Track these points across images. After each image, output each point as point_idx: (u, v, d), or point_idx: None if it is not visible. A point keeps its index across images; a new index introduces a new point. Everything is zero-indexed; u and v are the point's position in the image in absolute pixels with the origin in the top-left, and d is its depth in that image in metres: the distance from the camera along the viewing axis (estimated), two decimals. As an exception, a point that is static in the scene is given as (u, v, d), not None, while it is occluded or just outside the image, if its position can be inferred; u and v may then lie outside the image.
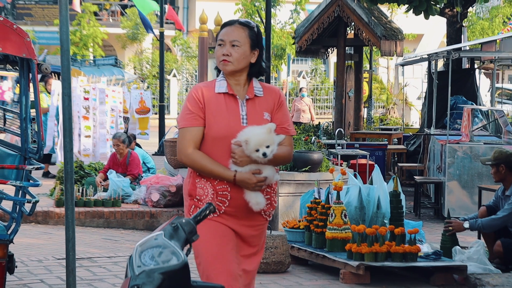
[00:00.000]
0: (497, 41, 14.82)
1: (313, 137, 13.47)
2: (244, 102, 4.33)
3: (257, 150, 4.17)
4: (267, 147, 4.20)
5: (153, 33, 23.33)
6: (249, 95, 4.35)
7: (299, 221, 8.53)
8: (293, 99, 29.20)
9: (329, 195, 8.11)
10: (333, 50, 19.23)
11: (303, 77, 37.39)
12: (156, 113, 24.67)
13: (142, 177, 12.88)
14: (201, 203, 4.25)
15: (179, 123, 4.33)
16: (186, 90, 37.18)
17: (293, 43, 19.27)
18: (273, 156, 4.23)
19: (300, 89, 24.40)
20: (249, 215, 4.32)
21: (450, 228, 8.08)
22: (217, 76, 4.42)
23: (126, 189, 12.28)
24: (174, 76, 35.50)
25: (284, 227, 8.56)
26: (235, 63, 4.31)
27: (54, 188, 12.66)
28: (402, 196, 7.93)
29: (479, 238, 8.70)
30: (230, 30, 4.34)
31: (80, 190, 11.98)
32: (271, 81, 22.01)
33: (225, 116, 4.26)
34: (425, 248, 7.88)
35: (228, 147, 4.23)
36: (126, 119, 17.84)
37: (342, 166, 11.88)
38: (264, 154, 4.18)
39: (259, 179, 4.23)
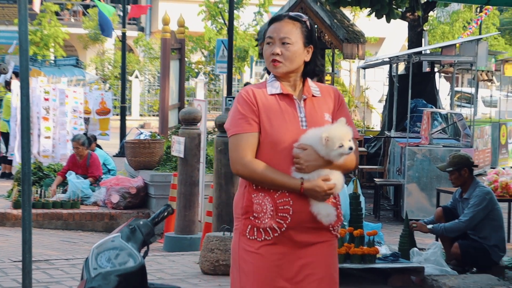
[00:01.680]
0: (457, 45, 14.96)
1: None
2: (302, 102, 3.83)
3: (341, 146, 3.68)
4: (349, 140, 3.72)
5: (110, 36, 23.06)
6: (307, 95, 3.85)
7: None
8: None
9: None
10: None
11: (266, 79, 37.41)
12: (117, 114, 24.52)
13: (102, 178, 12.80)
14: (259, 222, 3.72)
15: (229, 130, 3.78)
16: (148, 91, 37.06)
17: (256, 45, 19.30)
18: (344, 160, 3.75)
19: None
20: (314, 231, 3.76)
21: (415, 225, 8.16)
22: (266, 77, 4.02)
23: (86, 190, 12.19)
24: (136, 77, 35.32)
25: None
26: (287, 63, 3.81)
27: (12, 189, 12.53)
28: (362, 198, 7.97)
29: (436, 240, 8.78)
30: (280, 26, 3.82)
31: (39, 192, 11.87)
32: (233, 83, 21.96)
33: (282, 119, 3.76)
34: (383, 250, 7.93)
35: (288, 153, 3.71)
36: (86, 120, 17.73)
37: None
38: (351, 148, 3.69)
39: (329, 186, 3.70)
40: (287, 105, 3.80)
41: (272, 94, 3.81)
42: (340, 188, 3.74)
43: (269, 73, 3.91)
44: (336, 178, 3.73)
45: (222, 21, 31.10)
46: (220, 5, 31.45)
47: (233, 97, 18.40)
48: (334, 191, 3.71)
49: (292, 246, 3.72)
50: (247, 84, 24.48)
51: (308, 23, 3.86)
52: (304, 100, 3.83)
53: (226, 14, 24.84)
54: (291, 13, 3.88)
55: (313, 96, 3.85)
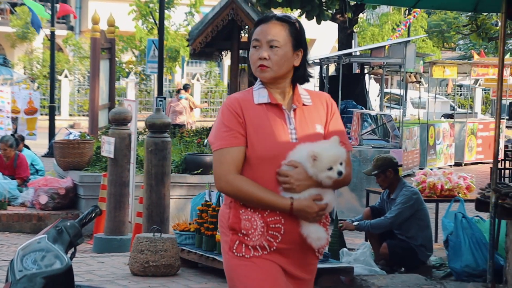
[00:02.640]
0: (386, 47, 15.16)
1: (206, 140, 13.47)
2: (291, 113, 3.52)
3: (330, 168, 3.40)
4: (340, 164, 3.43)
5: (38, 31, 22.70)
6: (297, 104, 3.54)
7: (190, 224, 8.50)
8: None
9: (220, 198, 8.11)
10: (227, 53, 19.28)
11: (197, 80, 37.36)
12: (46, 114, 24.17)
13: (30, 179, 12.60)
14: (248, 239, 3.45)
15: (213, 144, 3.49)
16: (78, 91, 36.62)
17: (188, 46, 19.23)
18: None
19: (178, 90, 24.19)
20: (303, 253, 3.53)
21: (341, 224, 8.25)
22: (252, 84, 3.68)
23: (13, 191, 11.98)
24: (66, 76, 34.86)
25: (174, 230, 8.51)
26: (275, 68, 3.50)
27: None
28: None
29: (366, 240, 8.87)
30: (267, 28, 3.52)
31: (-35, 193, 11.62)
32: (164, 83, 21.86)
33: (271, 131, 3.46)
34: (313, 250, 7.96)
35: (276, 169, 3.43)
36: (15, 120, 17.43)
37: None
38: (340, 173, 3.41)
39: (321, 207, 3.43)
40: (276, 116, 3.50)
41: (259, 104, 3.51)
42: (331, 207, 3.48)
43: (255, 79, 3.61)
44: (328, 197, 3.46)
45: (153, 21, 30.95)
46: (150, 5, 31.29)
47: (164, 97, 18.36)
48: (326, 210, 3.46)
49: (282, 264, 3.49)
50: (181, 89, 24.31)
51: (297, 25, 3.57)
52: (294, 110, 3.53)
53: (157, 14, 24.71)
54: (278, 14, 3.59)
55: (303, 105, 3.56)
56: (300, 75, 3.59)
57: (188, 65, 39.29)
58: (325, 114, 3.58)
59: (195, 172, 11.14)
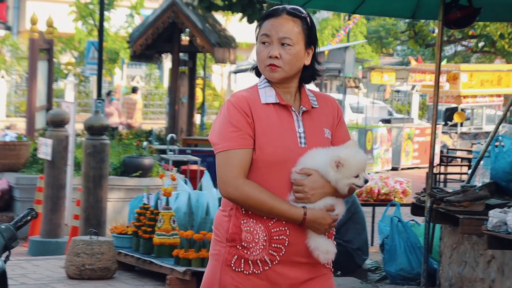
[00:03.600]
0: (326, 52, 15.27)
1: (145, 142, 13.40)
2: (300, 115, 3.25)
3: (357, 176, 3.17)
4: (364, 171, 3.23)
5: None
6: (306, 106, 3.27)
7: (128, 227, 8.45)
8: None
9: (159, 201, 8.08)
10: (168, 55, 19.23)
11: (137, 82, 37.13)
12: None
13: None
14: (248, 252, 3.16)
15: (217, 145, 3.18)
16: (15, 92, 36.09)
17: (128, 48, 19.12)
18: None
19: (109, 93, 24.03)
20: (308, 266, 3.24)
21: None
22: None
23: None
24: (3, 77, 34.31)
25: (112, 232, 8.45)
26: (286, 68, 3.20)
27: None
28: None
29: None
30: (278, 23, 3.20)
31: None
32: (103, 85, 21.67)
33: (280, 134, 3.18)
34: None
35: (285, 175, 3.16)
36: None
37: (173, 171, 11.89)
38: (366, 181, 3.19)
39: (334, 218, 3.19)
40: (285, 117, 3.22)
41: (266, 104, 3.22)
42: (339, 218, 3.24)
43: (258, 75, 3.33)
44: (339, 208, 3.22)
45: (93, 23, 30.68)
46: (90, 6, 30.98)
47: (103, 99, 18.19)
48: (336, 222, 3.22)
49: (282, 283, 3.20)
50: (111, 91, 24.09)
51: (308, 20, 3.26)
52: (303, 112, 3.26)
53: (97, 15, 24.48)
54: (288, 7, 3.26)
55: (311, 107, 3.29)
56: (307, 75, 3.31)
57: (128, 67, 39.01)
58: (332, 118, 3.33)
59: (134, 174, 11.07)
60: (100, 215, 8.74)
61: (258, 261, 3.17)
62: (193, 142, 17.29)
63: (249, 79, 27.84)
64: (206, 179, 8.39)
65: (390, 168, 21.40)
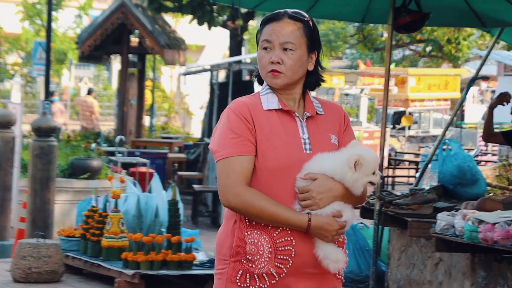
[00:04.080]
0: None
1: (93, 144, 13.28)
2: (304, 121, 3.15)
3: (374, 173, 3.07)
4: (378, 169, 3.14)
5: None
6: (310, 112, 3.16)
7: (75, 230, 8.37)
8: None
9: (107, 203, 8.01)
10: (117, 57, 19.09)
11: (85, 83, 36.82)
12: None
13: None
14: (253, 266, 3.03)
15: (218, 152, 3.07)
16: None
17: (76, 48, 18.95)
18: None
19: (52, 93, 23.80)
20: (317, 277, 3.10)
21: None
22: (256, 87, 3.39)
23: None
24: None
25: (59, 235, 8.35)
26: (288, 74, 3.11)
27: None
28: (180, 205, 7.98)
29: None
30: (279, 28, 3.10)
31: None
32: (51, 86, 21.43)
33: (283, 140, 3.07)
34: (200, 256, 7.97)
35: (289, 182, 3.05)
36: None
37: (121, 174, 11.79)
38: (382, 177, 3.14)
39: (341, 225, 3.05)
40: (288, 123, 3.12)
41: (268, 110, 3.12)
42: (349, 225, 3.09)
43: (260, 82, 3.22)
44: (347, 214, 3.07)
45: (40, 23, 30.32)
46: (38, 6, 30.63)
47: (51, 101, 17.99)
48: (345, 229, 3.07)
49: None
50: (54, 92, 23.81)
51: (311, 23, 3.16)
52: (307, 118, 3.16)
53: (45, 15, 24.22)
54: (289, 11, 3.15)
55: (316, 113, 3.18)
56: (311, 81, 3.20)
57: (76, 68, 38.67)
58: (339, 124, 3.22)
59: (82, 176, 10.95)
60: (47, 217, 8.62)
61: (264, 274, 3.03)
62: (142, 144, 17.19)
63: (199, 81, 27.80)
64: (156, 181, 8.35)
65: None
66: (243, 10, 16.97)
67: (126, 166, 13.39)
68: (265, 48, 3.12)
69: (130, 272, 7.30)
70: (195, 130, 27.80)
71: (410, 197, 6.51)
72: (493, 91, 29.37)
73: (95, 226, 7.90)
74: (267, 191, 3.03)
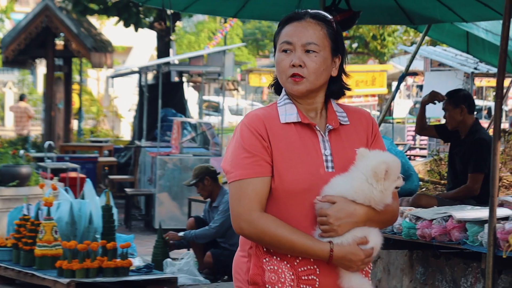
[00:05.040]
0: (205, 55, 15.27)
1: (22, 151, 13.02)
2: (326, 135, 2.83)
3: (399, 177, 2.80)
4: None
5: None
6: (333, 125, 2.84)
7: (7, 239, 8.18)
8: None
9: (39, 211, 7.85)
10: (42, 61, 18.79)
11: (9, 88, 36.12)
12: None
13: None
14: None
15: (230, 173, 2.78)
16: None
17: (0, 53, 18.57)
18: (386, 209, 2.80)
19: None
20: None
21: (167, 237, 8.24)
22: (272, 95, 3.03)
23: None
24: None
25: (-10, 246, 8.16)
26: (311, 79, 2.79)
27: None
28: (115, 210, 7.88)
29: (188, 249, 8.86)
30: (301, 28, 2.80)
31: None
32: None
33: (303, 158, 2.76)
34: (137, 262, 7.88)
35: (310, 206, 2.74)
36: None
37: (52, 180, 11.61)
38: (404, 178, 2.85)
39: (368, 253, 2.74)
40: (308, 138, 2.80)
41: (287, 123, 2.80)
42: (377, 251, 2.79)
43: (277, 92, 2.92)
44: (373, 240, 2.77)
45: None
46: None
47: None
48: (373, 256, 2.78)
49: None
50: (22, 96, 23.37)
51: (334, 24, 2.86)
52: (330, 131, 2.84)
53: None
54: (311, 11, 2.86)
55: (340, 124, 2.86)
56: (336, 88, 2.88)
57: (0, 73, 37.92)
58: (366, 135, 2.88)
59: (11, 184, 10.72)
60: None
61: None
62: (71, 149, 16.95)
63: (127, 83, 27.55)
64: (88, 187, 8.22)
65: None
66: (170, 12, 16.91)
67: (56, 172, 13.17)
68: (285, 51, 2.81)
69: (65, 280, 7.17)
70: (125, 133, 27.56)
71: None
72: (418, 86, 29.86)
73: (28, 235, 7.73)
74: (285, 215, 2.74)
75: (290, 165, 2.75)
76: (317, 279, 2.74)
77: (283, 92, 2.88)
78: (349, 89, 2.94)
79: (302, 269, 2.74)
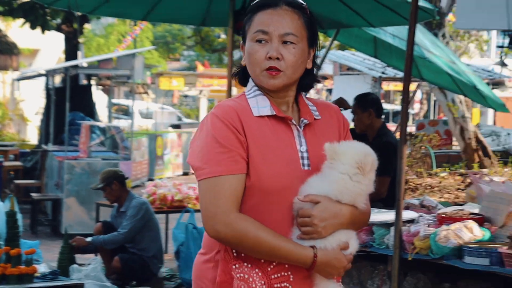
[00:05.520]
0: (114, 58, 15.10)
1: None
2: (301, 130, 2.61)
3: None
4: None
5: None
6: (308, 119, 2.63)
7: None
8: None
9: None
10: None
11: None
12: None
13: None
14: None
15: (201, 169, 2.51)
16: None
17: None
18: (366, 210, 2.63)
19: None
20: None
21: (74, 243, 8.08)
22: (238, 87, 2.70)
23: None
24: None
25: None
26: (289, 72, 2.56)
27: None
28: (19, 216, 7.68)
29: (96, 255, 8.72)
30: (278, 17, 2.54)
31: None
32: None
33: (279, 154, 2.53)
34: (42, 268, 7.70)
35: (285, 206, 2.52)
36: None
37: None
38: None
39: (349, 258, 2.57)
40: (283, 133, 2.57)
41: (260, 116, 2.57)
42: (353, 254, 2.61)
43: (242, 83, 2.69)
44: (353, 244, 2.60)
45: None
46: None
47: None
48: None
49: None
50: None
51: (308, 12, 2.61)
52: (304, 126, 2.62)
53: None
54: None
55: (314, 119, 2.65)
56: (307, 82, 2.65)
57: None
58: (338, 131, 2.69)
59: None
60: None
61: None
62: (-25, 153, 16.49)
63: (34, 86, 27.01)
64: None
65: (182, 173, 21.48)
66: (78, 14, 16.66)
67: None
68: (259, 41, 2.55)
69: (-33, 289, 6.97)
70: (32, 137, 27.01)
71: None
72: (328, 90, 30.20)
73: None
74: (259, 216, 2.50)
75: (268, 161, 2.51)
76: (290, 287, 2.52)
77: (251, 83, 2.65)
78: (319, 82, 2.78)
79: (275, 276, 2.51)
